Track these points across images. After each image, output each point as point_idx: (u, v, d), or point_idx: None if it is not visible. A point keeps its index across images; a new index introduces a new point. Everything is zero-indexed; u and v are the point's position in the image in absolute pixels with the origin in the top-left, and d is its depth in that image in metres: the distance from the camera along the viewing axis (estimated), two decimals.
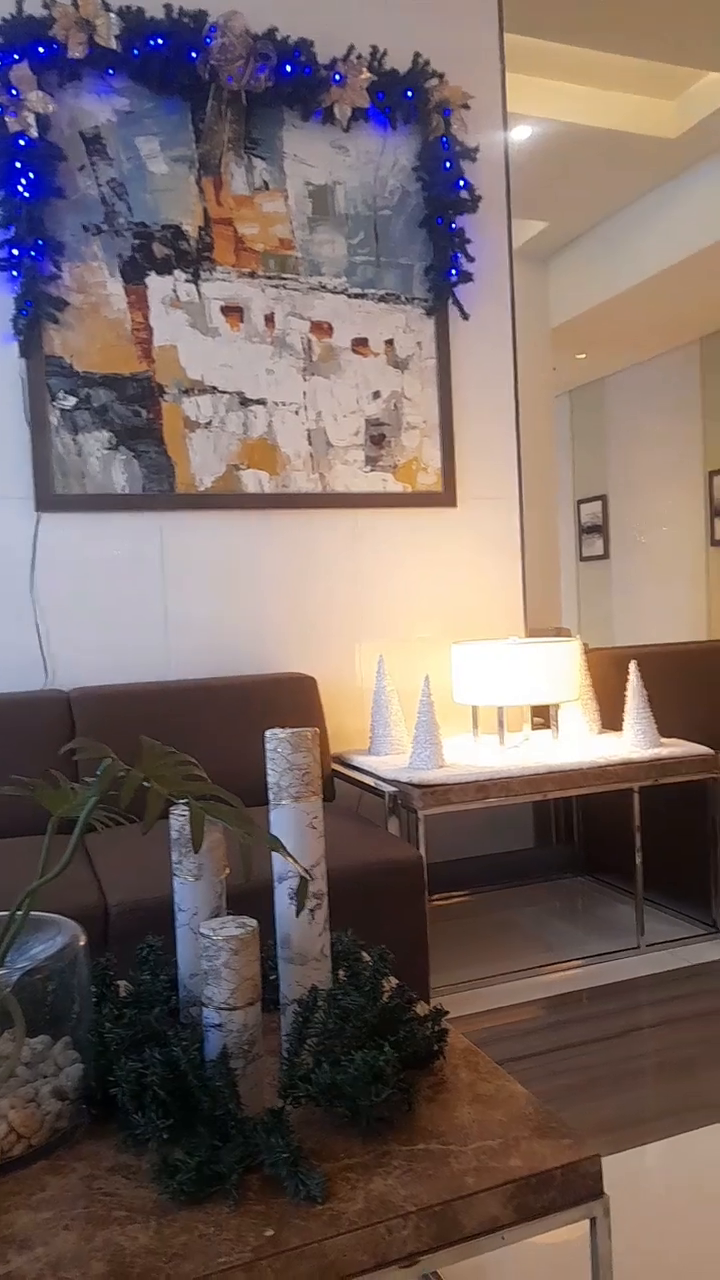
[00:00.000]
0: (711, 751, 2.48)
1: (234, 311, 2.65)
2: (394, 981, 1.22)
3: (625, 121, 3.97)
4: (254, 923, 0.98)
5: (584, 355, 6.19)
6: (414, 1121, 0.98)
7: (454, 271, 2.81)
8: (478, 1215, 0.86)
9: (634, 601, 6.63)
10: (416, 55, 2.72)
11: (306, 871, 1.02)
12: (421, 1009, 1.14)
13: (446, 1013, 1.12)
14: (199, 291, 2.62)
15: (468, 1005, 2.18)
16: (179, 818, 1.10)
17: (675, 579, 6.34)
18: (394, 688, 2.79)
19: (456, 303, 2.86)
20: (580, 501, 7.10)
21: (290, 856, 0.97)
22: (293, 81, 2.58)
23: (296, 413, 2.73)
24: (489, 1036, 2.02)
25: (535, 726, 2.90)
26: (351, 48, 2.65)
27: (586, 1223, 0.93)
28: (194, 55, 2.47)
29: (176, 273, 2.59)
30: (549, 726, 2.66)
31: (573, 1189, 0.91)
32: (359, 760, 2.54)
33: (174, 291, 2.59)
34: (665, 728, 2.86)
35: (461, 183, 2.79)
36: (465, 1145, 0.94)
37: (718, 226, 4.23)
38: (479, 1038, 2.02)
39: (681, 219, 4.44)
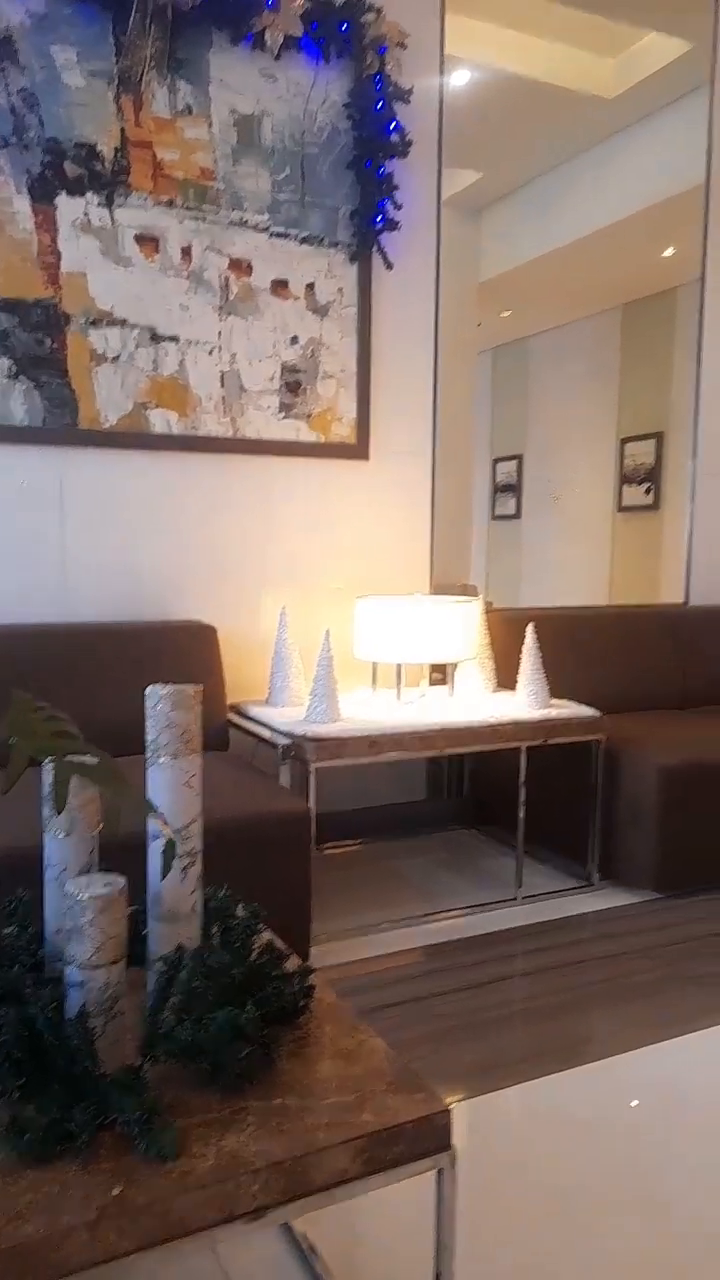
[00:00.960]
0: (597, 714, 2.57)
1: (149, 241, 2.54)
2: (265, 938, 1.24)
3: (565, 76, 3.92)
4: (122, 880, 0.98)
5: (509, 313, 6.18)
6: (274, 1077, 1.01)
7: (380, 218, 2.75)
8: (327, 1169, 0.90)
9: (542, 562, 6.75)
10: None
11: (175, 833, 1.02)
12: (291, 964, 1.16)
13: (314, 969, 1.14)
14: (112, 217, 2.49)
15: (350, 953, 2.23)
16: (50, 773, 1.08)
17: (583, 542, 6.48)
18: (296, 640, 2.79)
19: (381, 251, 2.81)
20: (496, 460, 7.15)
21: (160, 818, 0.97)
22: (222, 1, 2.45)
23: (210, 353, 2.65)
24: (367, 983, 2.08)
25: (433, 683, 2.95)
26: None
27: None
28: None
29: (89, 195, 2.46)
30: (446, 683, 2.70)
31: (422, 1142, 0.95)
32: (256, 711, 2.54)
33: (85, 215, 2.47)
34: (557, 689, 2.95)
35: (393, 125, 2.71)
36: (322, 1100, 0.97)
37: (647, 193, 4.25)
38: (358, 984, 2.08)
39: (613, 182, 4.44)
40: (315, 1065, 1.03)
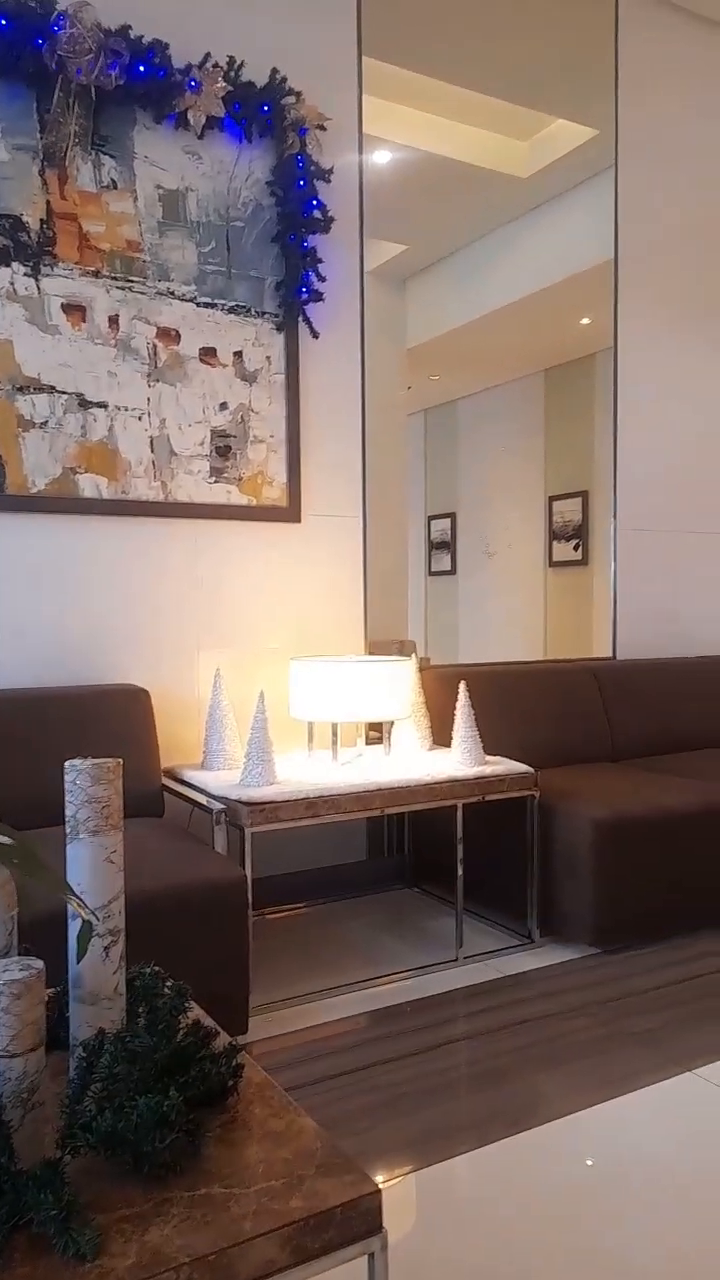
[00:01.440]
0: (531, 770, 2.59)
1: (75, 310, 2.57)
2: (193, 1016, 1.21)
3: (481, 157, 4.11)
4: (39, 964, 0.95)
5: (438, 376, 6.36)
6: (200, 1165, 0.97)
7: (305, 290, 2.82)
8: (254, 1261, 0.87)
9: (479, 616, 6.85)
10: (274, 71, 2.72)
11: (96, 912, 0.99)
12: (220, 1043, 1.13)
13: (241, 1048, 1.11)
14: (38, 286, 2.52)
15: (291, 1022, 2.18)
16: None
17: (517, 597, 6.59)
18: (232, 702, 2.77)
19: (307, 320, 2.87)
20: (431, 517, 7.28)
21: (76, 899, 0.94)
22: (145, 82, 2.52)
23: (140, 418, 2.67)
24: (308, 1054, 2.03)
25: (370, 741, 2.95)
26: (208, 55, 2.62)
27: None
28: (40, 42, 2.38)
29: (15, 265, 2.48)
30: (383, 742, 2.71)
31: (351, 1226, 0.92)
32: (191, 775, 2.50)
33: (11, 284, 2.48)
34: (492, 744, 2.97)
35: (315, 202, 2.80)
36: (249, 1187, 0.94)
37: (561, 266, 4.44)
38: (298, 1055, 2.02)
39: (528, 256, 4.63)
40: (243, 1150, 1.00)
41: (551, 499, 6.37)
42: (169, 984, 1.19)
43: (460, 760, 2.57)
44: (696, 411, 3.95)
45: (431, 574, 7.54)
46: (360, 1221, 0.93)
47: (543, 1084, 1.89)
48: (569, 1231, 1.46)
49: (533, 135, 4.11)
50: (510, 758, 3.01)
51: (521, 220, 4.71)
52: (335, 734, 2.61)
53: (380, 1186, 0.94)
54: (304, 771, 2.47)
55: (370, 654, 3.18)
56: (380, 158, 3.99)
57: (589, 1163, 1.63)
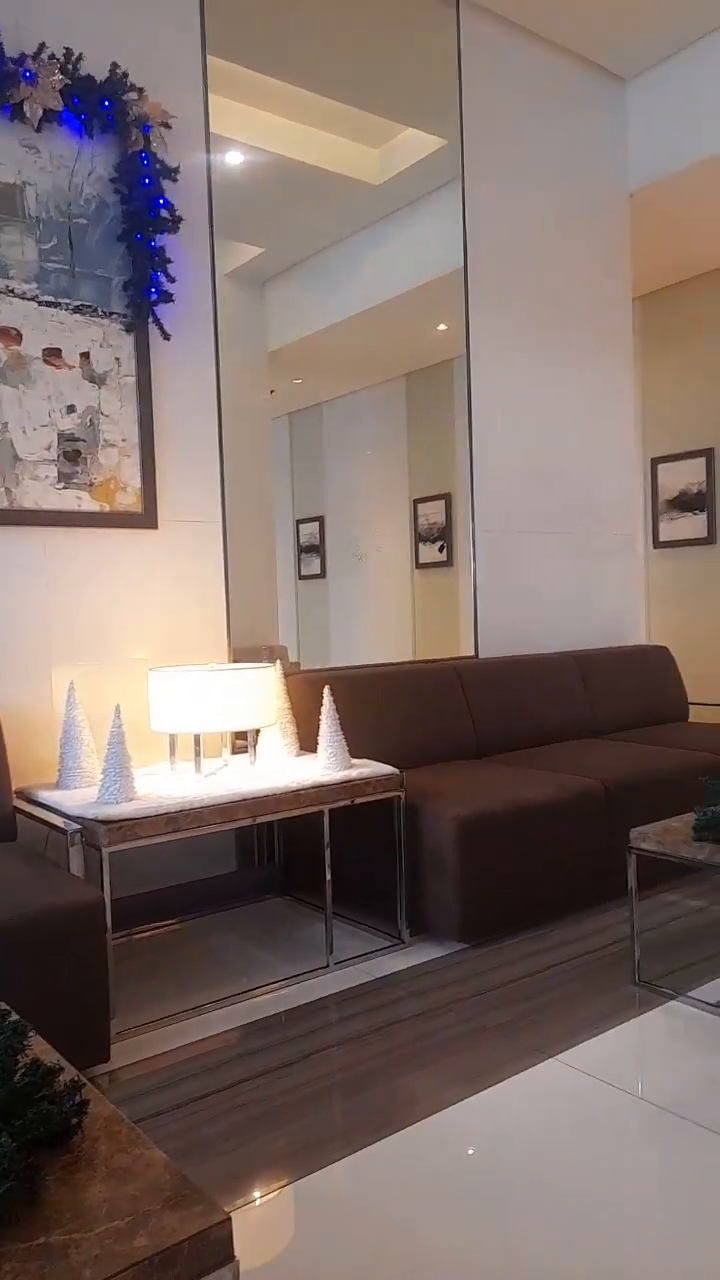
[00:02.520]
0: (396, 771, 2.61)
1: None
2: (33, 1054, 1.15)
3: (334, 162, 4.13)
4: None
5: (300, 380, 6.35)
6: (39, 1212, 0.92)
7: (154, 290, 2.76)
8: None
9: (350, 619, 6.89)
10: (114, 66, 2.65)
11: None
12: (64, 1080, 1.08)
13: (85, 1084, 1.07)
14: None
15: (158, 1045, 2.12)
16: None
17: (386, 599, 6.66)
18: (91, 716, 2.68)
19: (157, 321, 2.81)
20: (299, 521, 7.27)
21: None
22: None
23: None
24: (173, 1077, 1.98)
25: (236, 750, 2.91)
26: (43, 45, 2.52)
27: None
28: None
29: None
30: (249, 750, 2.67)
31: (200, 1259, 0.89)
32: (45, 795, 2.40)
33: None
34: (360, 747, 2.98)
35: (162, 201, 2.74)
36: (91, 1230, 0.90)
37: (415, 273, 4.52)
38: (163, 1079, 1.97)
39: (385, 263, 4.69)
40: (86, 1191, 0.95)
41: (416, 501, 6.47)
42: (9, 1021, 1.12)
43: (326, 765, 2.56)
44: (544, 415, 4.09)
45: (302, 578, 7.52)
46: (210, 1253, 0.90)
47: (411, 1085, 1.91)
48: (443, 1224, 1.47)
49: (384, 143, 4.16)
50: (378, 760, 3.03)
51: (376, 226, 4.76)
52: (198, 745, 2.55)
53: (230, 1214, 0.92)
54: (166, 785, 2.41)
55: (238, 661, 3.14)
56: (232, 159, 3.95)
57: (460, 1156, 1.65)
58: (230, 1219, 0.92)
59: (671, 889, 3.04)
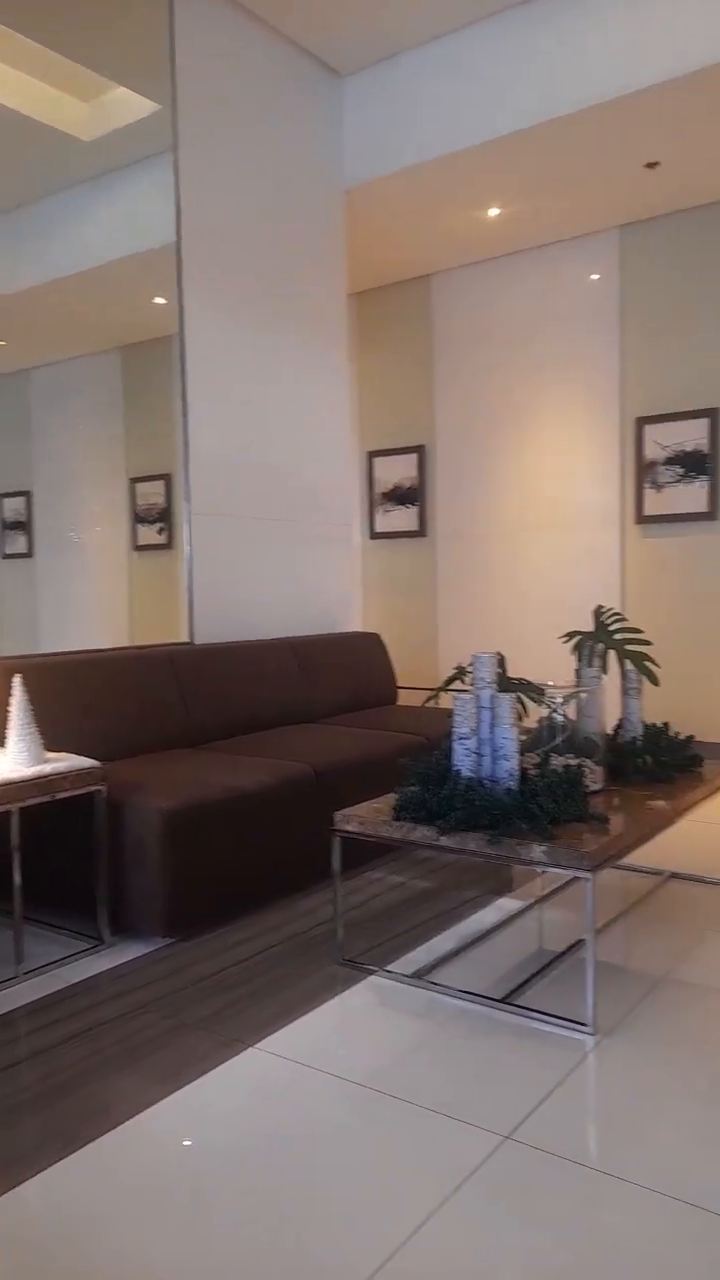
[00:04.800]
0: (96, 764, 2.47)
1: None
2: None
3: (36, 109, 3.83)
4: None
5: (4, 343, 5.88)
6: None
7: None
8: None
9: (61, 602, 6.50)
10: None
11: None
12: None
13: None
14: None
15: None
16: None
17: (102, 581, 6.36)
18: None
19: None
20: (2, 496, 6.74)
21: None
22: None
23: None
24: None
25: None
26: None
27: None
28: None
29: None
30: None
31: None
32: None
33: None
34: (59, 740, 2.80)
35: None
36: None
37: (126, 242, 4.31)
38: None
39: (97, 225, 4.44)
40: None
41: (134, 481, 6.23)
42: None
43: (16, 760, 2.36)
44: (261, 402, 4.08)
45: (5, 557, 6.99)
46: None
47: (107, 1091, 1.80)
48: (141, 1230, 1.39)
49: (94, 98, 3.92)
50: (80, 752, 2.86)
51: (87, 186, 4.48)
52: None
53: None
54: None
55: None
56: None
57: (158, 1158, 1.57)
58: None
59: (377, 868, 3.15)
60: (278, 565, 4.16)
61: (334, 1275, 1.32)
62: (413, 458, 5.95)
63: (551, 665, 5.37)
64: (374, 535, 6.15)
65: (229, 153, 3.90)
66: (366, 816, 2.32)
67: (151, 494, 5.71)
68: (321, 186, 4.34)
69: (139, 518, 6.17)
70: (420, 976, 2.28)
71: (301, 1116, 1.71)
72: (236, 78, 3.91)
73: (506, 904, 2.78)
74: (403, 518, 6.05)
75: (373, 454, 6.10)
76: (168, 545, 5.31)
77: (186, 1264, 1.35)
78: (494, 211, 4.77)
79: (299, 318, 4.23)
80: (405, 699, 4.98)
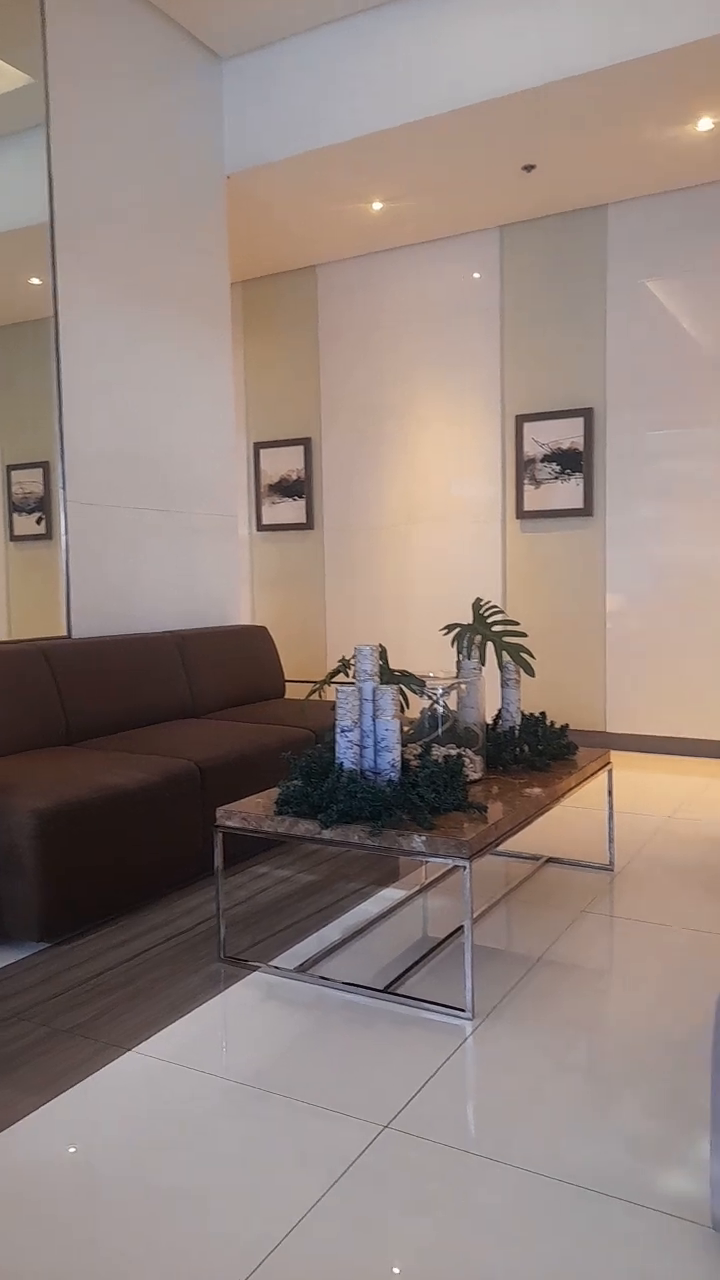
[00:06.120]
0: None
1: None
2: None
3: None
4: None
5: None
6: None
7: None
8: None
9: None
10: None
11: None
12: None
13: None
14: None
15: None
16: None
17: None
18: None
19: None
20: None
21: None
22: None
23: None
24: None
25: None
26: None
27: None
28: None
29: None
30: None
31: None
32: None
33: None
34: None
35: None
36: None
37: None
38: None
39: None
40: None
41: (10, 468, 5.99)
42: None
43: None
44: (143, 391, 3.98)
45: None
46: None
47: None
48: (31, 1233, 1.33)
49: None
50: None
51: None
52: None
53: None
54: None
55: None
56: None
57: (30, 1173, 1.52)
58: None
59: (263, 862, 3.14)
60: (162, 557, 4.08)
61: (218, 1274, 1.31)
62: (299, 450, 5.93)
63: (438, 657, 5.46)
64: (261, 528, 6.10)
65: (105, 130, 3.78)
66: (249, 811, 2.30)
67: (29, 482, 5.50)
68: (203, 171, 4.26)
69: (15, 507, 5.94)
70: (304, 970, 2.28)
71: (181, 1119, 1.69)
72: (112, 54, 3.79)
73: (391, 893, 2.81)
74: (290, 510, 6.02)
75: (259, 445, 6.04)
76: (46, 535, 5.13)
77: (69, 1271, 1.31)
78: (377, 206, 4.79)
79: (181, 304, 4.14)
80: (294, 692, 4.97)
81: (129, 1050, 1.93)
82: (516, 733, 2.83)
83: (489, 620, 2.72)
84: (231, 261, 5.58)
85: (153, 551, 4.03)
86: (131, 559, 3.92)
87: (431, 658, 5.45)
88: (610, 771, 3.03)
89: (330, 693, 5.73)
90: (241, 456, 6.14)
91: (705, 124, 3.96)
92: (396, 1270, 1.31)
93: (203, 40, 4.20)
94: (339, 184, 4.50)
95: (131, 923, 2.60)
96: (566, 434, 5.04)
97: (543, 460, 5.11)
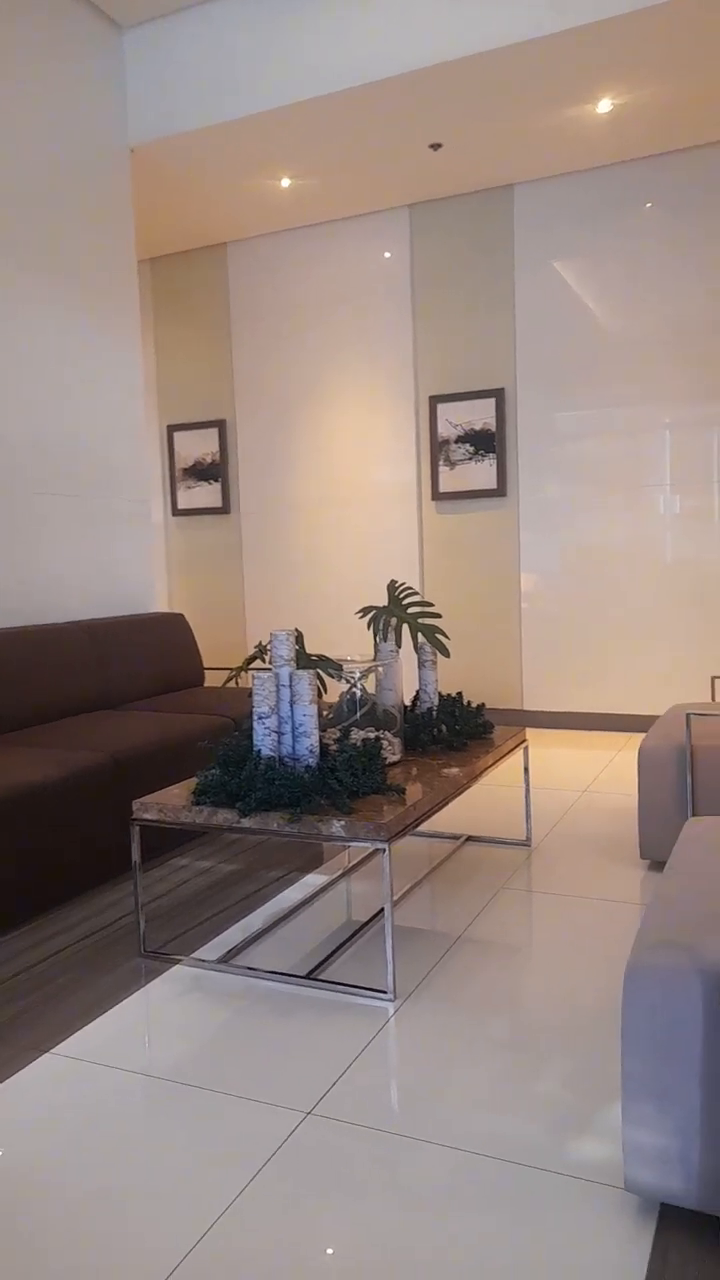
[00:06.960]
0: None
1: None
2: None
3: None
4: None
5: None
6: None
7: None
8: None
9: None
10: None
11: None
12: None
13: None
14: None
15: None
16: None
17: None
18: None
19: None
20: None
21: None
22: None
23: None
24: None
25: None
26: None
27: None
28: None
29: None
30: None
31: None
32: None
33: None
34: None
35: None
36: None
37: None
38: None
39: None
40: None
41: None
42: None
43: None
44: (46, 372, 3.85)
45: None
46: None
47: None
48: None
49: None
50: None
51: None
52: None
53: None
54: None
55: None
56: None
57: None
58: None
59: (184, 854, 3.10)
60: (70, 544, 3.96)
61: (144, 1269, 1.29)
62: (214, 432, 5.83)
63: (358, 640, 5.46)
64: (176, 512, 5.99)
65: (7, 104, 3.61)
66: (166, 803, 2.26)
67: None
68: (104, 143, 4.12)
69: None
70: (227, 961, 2.27)
71: (103, 1118, 1.66)
72: (4, 20, 3.62)
73: (315, 879, 2.81)
74: (205, 494, 5.93)
75: (173, 428, 5.92)
76: None
77: None
78: (286, 182, 4.71)
79: (84, 280, 4.01)
80: (213, 679, 4.91)
81: (47, 1052, 1.88)
82: (434, 714, 2.85)
83: (404, 602, 2.73)
84: (140, 237, 5.43)
85: (60, 538, 3.91)
86: (36, 546, 3.80)
87: (351, 641, 5.45)
88: (526, 749, 3.08)
89: (249, 679, 5.68)
90: (155, 440, 6.01)
91: (605, 105, 4.01)
92: (330, 1251, 1.32)
93: (101, 8, 4.05)
94: (247, 158, 4.41)
95: (48, 922, 2.54)
96: (479, 415, 5.07)
97: (456, 441, 5.14)
